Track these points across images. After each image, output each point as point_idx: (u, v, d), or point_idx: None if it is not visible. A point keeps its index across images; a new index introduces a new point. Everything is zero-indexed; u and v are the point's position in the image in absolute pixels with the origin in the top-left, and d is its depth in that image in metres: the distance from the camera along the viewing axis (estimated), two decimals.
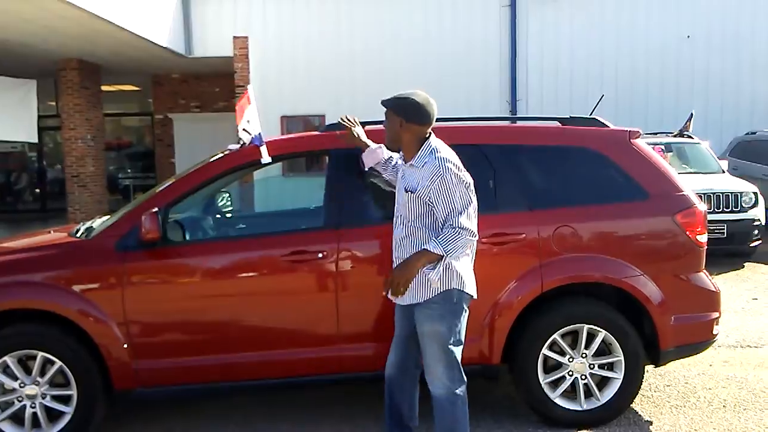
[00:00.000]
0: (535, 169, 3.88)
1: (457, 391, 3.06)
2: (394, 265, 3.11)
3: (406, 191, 3.06)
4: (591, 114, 4.30)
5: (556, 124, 4.09)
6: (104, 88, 15.08)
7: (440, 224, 3.00)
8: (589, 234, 3.76)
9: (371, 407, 4.00)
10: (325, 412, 4.09)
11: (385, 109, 3.14)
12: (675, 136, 10.18)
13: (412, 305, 3.08)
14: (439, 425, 3.11)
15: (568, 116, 4.12)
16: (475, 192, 3.37)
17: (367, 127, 3.74)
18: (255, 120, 3.82)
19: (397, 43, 14.05)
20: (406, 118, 3.08)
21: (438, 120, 4.11)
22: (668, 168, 3.97)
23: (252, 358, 3.64)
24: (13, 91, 12.63)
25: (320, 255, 3.61)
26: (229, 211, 4.95)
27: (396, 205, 3.19)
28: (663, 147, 8.17)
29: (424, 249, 2.96)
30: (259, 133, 3.75)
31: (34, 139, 14.05)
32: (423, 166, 3.03)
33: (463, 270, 3.08)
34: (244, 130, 3.83)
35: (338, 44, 14.10)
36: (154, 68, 15.29)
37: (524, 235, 3.70)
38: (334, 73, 14.04)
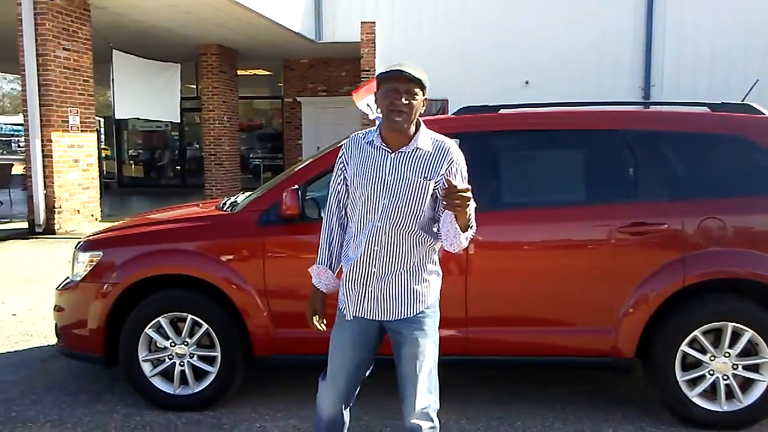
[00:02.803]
0: (681, 157, 3.71)
1: (437, 424, 2.54)
2: (370, 266, 2.48)
3: (424, 179, 2.41)
4: (743, 100, 4.02)
5: (705, 109, 3.87)
6: (239, 72, 15.91)
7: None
8: (737, 227, 3.54)
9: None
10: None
11: (405, 84, 2.35)
12: None
13: (381, 322, 2.54)
14: None
15: (719, 102, 3.88)
16: (613, 179, 3.14)
17: (504, 111, 3.75)
18: None
19: (523, 29, 13.77)
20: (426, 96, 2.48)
21: (575, 104, 4.03)
22: None
23: None
24: (160, 74, 13.67)
25: None
26: None
27: (374, 194, 2.44)
28: None
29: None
30: None
31: (177, 119, 15.17)
32: (436, 149, 2.45)
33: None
34: (368, 105, 3.91)
35: (462, 32, 14.04)
36: (286, 53, 15.93)
37: (666, 226, 3.54)
38: (457, 58, 13.99)
